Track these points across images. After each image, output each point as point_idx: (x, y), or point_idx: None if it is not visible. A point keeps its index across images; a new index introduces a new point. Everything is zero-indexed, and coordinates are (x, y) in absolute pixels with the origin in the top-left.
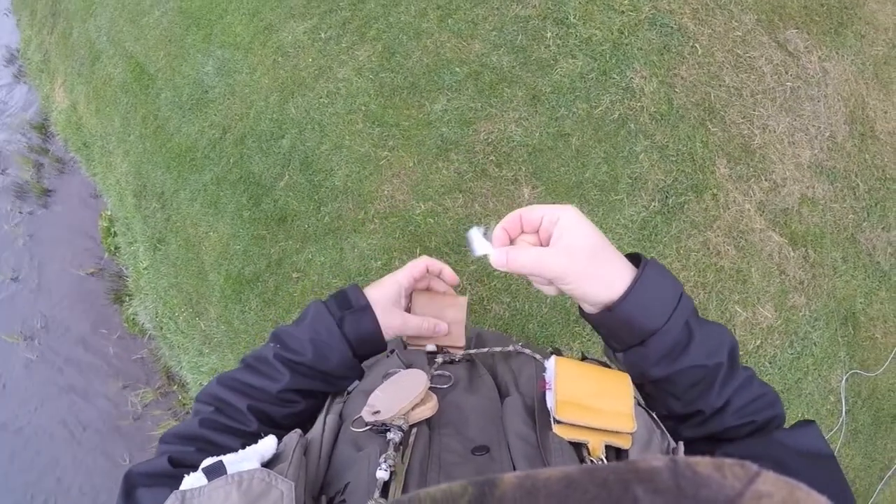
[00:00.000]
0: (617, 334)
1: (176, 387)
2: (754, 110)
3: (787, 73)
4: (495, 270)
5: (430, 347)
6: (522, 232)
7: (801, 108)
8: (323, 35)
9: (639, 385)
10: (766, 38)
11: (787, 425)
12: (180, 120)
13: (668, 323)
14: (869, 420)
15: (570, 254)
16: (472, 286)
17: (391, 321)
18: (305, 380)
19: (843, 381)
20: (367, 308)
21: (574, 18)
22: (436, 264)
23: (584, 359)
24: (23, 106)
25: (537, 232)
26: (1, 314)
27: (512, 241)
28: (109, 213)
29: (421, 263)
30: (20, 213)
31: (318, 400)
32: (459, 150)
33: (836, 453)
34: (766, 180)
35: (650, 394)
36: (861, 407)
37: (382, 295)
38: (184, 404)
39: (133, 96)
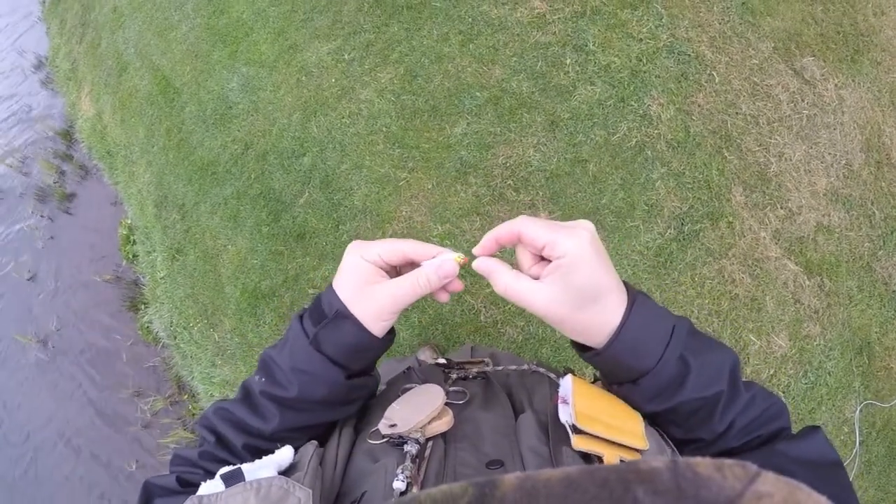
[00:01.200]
0: (608, 372)
1: (186, 396)
2: (771, 138)
3: (803, 100)
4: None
5: (442, 360)
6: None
7: (818, 136)
8: (346, 56)
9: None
10: (783, 66)
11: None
12: (203, 134)
13: (660, 363)
14: (883, 451)
15: (564, 297)
16: (487, 308)
17: (377, 305)
18: (301, 415)
19: (858, 412)
20: (341, 314)
21: (593, 45)
22: (421, 251)
23: (595, 381)
24: (49, 112)
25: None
26: (15, 314)
27: (502, 249)
28: (129, 221)
29: (399, 244)
30: (41, 216)
31: (326, 429)
32: (478, 174)
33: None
34: (781, 208)
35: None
36: (875, 438)
37: (351, 281)
38: (193, 414)
39: (158, 108)
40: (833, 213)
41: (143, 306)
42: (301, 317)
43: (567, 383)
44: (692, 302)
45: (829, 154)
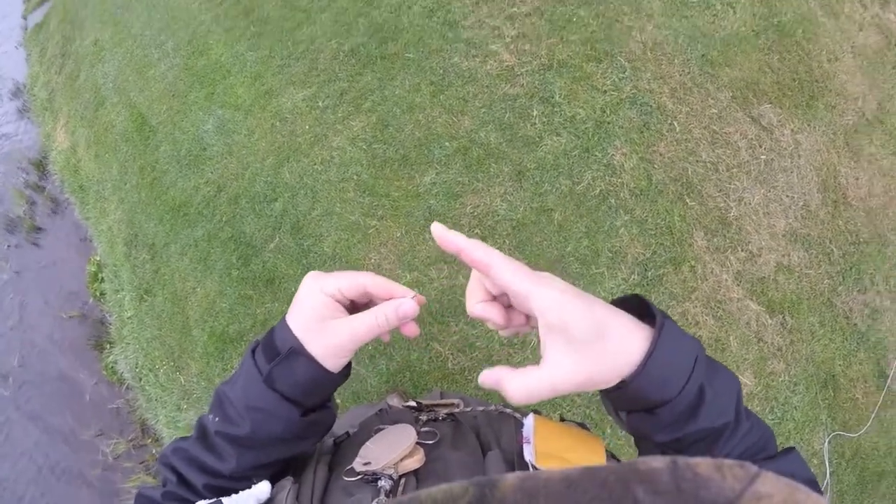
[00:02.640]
0: (623, 404)
1: (150, 440)
2: (730, 183)
3: (761, 146)
4: (477, 342)
5: (412, 403)
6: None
7: (776, 180)
8: (321, 104)
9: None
10: (741, 114)
11: None
12: (177, 174)
13: (682, 393)
14: (854, 480)
15: (578, 357)
16: (454, 355)
17: (335, 342)
18: (258, 453)
19: (826, 444)
20: (293, 351)
21: (559, 98)
22: (383, 287)
23: (562, 420)
24: (23, 141)
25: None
26: None
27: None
28: (98, 258)
29: (360, 278)
30: (8, 246)
31: (290, 465)
32: (446, 223)
33: None
34: (742, 251)
35: (646, 447)
36: (845, 468)
37: (307, 314)
38: (157, 459)
39: (133, 146)
40: (793, 252)
41: (108, 346)
42: (254, 350)
43: (529, 423)
44: None
45: (787, 196)
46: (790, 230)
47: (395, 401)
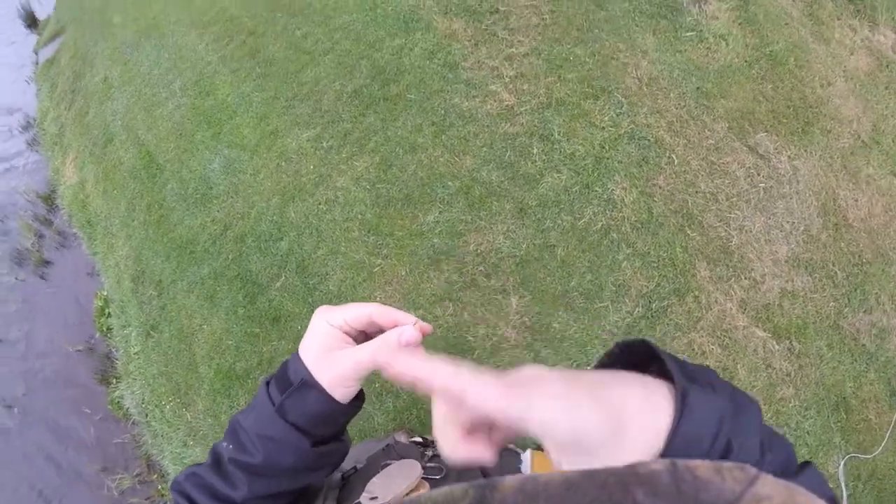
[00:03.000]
0: None
1: (156, 476)
2: (730, 213)
3: (759, 174)
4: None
5: (417, 438)
6: None
7: (775, 207)
8: (325, 144)
9: None
10: (738, 144)
11: None
12: (184, 212)
13: (707, 455)
14: (872, 502)
15: (602, 460)
16: None
17: (339, 372)
18: (269, 482)
19: (841, 467)
20: (306, 382)
21: (559, 135)
22: (387, 315)
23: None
24: (32, 174)
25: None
26: None
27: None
28: (105, 293)
29: (366, 308)
30: (15, 279)
31: (301, 497)
32: (450, 261)
33: None
34: (745, 278)
35: None
36: (862, 490)
37: (315, 346)
38: (162, 495)
39: (141, 183)
40: (796, 277)
41: (114, 380)
42: (268, 383)
43: (526, 458)
44: None
45: (788, 222)
46: (792, 255)
47: (402, 438)
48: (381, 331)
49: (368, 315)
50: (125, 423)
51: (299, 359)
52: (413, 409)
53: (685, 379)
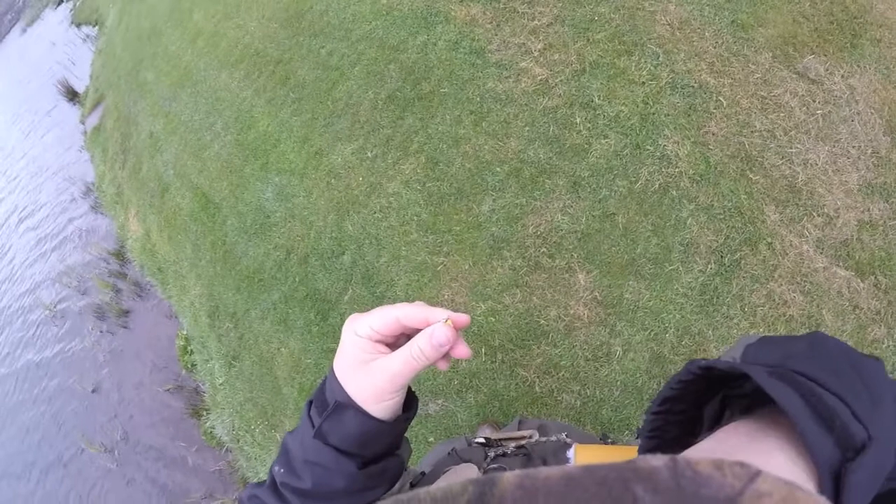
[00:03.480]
0: None
1: (244, 489)
2: (791, 147)
3: (814, 101)
4: (562, 360)
5: (480, 439)
6: None
7: (838, 133)
8: (370, 154)
9: None
10: (786, 73)
11: None
12: (246, 244)
13: None
14: None
15: None
16: (540, 378)
17: (373, 386)
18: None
19: None
20: (339, 405)
21: (599, 99)
22: (416, 316)
23: (605, 441)
24: (100, 234)
25: None
26: (80, 425)
27: None
28: (185, 332)
29: (393, 311)
30: (100, 332)
31: None
32: (511, 247)
33: None
34: (818, 216)
35: None
36: None
37: (347, 360)
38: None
39: (201, 224)
40: (872, 206)
41: (204, 412)
42: (311, 403)
43: (570, 454)
44: (747, 333)
45: (854, 147)
46: (864, 182)
47: (486, 432)
48: (419, 331)
49: (395, 319)
50: (219, 451)
51: (334, 376)
52: (494, 400)
53: (830, 448)
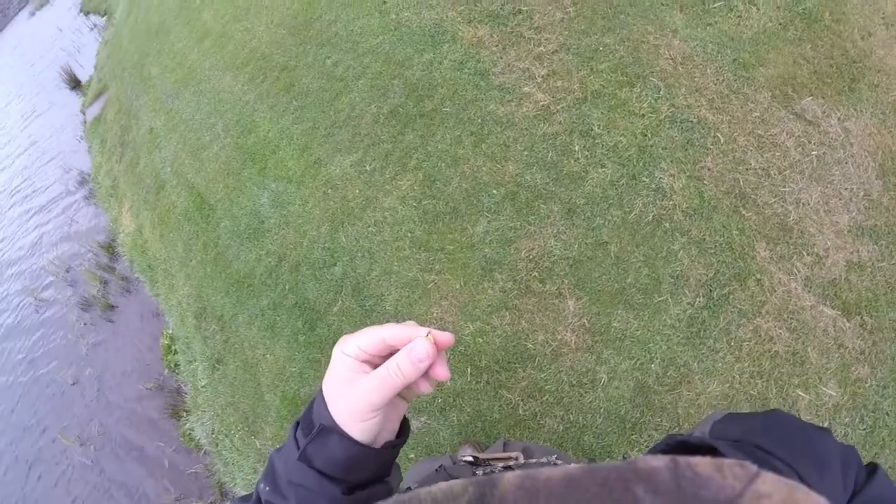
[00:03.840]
0: None
1: (228, 503)
2: (784, 186)
3: (810, 142)
4: (546, 385)
5: (468, 458)
6: None
7: (831, 174)
8: (368, 167)
9: None
10: (784, 113)
11: None
12: (238, 248)
13: None
14: None
15: None
16: (524, 401)
17: (350, 404)
18: None
19: None
20: (325, 428)
21: (598, 128)
22: (400, 335)
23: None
24: (92, 226)
25: None
26: (58, 416)
27: None
28: (170, 331)
29: (380, 331)
30: (85, 324)
31: None
32: (503, 270)
33: None
34: (808, 255)
35: None
36: None
37: (333, 380)
38: None
39: (195, 224)
40: (861, 248)
41: (184, 414)
42: (298, 423)
43: None
44: (732, 367)
45: (846, 189)
46: (855, 224)
47: (467, 452)
48: None
49: (381, 339)
50: (197, 453)
51: (322, 396)
52: (477, 421)
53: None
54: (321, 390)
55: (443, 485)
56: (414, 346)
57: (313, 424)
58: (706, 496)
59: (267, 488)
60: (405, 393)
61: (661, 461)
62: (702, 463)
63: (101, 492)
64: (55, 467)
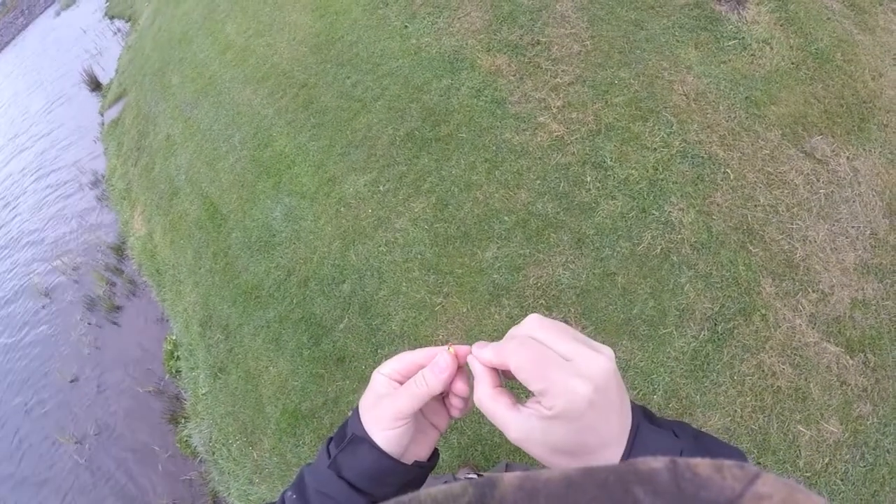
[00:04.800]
0: None
1: None
2: (792, 224)
3: (818, 180)
4: None
5: (471, 476)
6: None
7: (838, 213)
8: (382, 188)
9: None
10: (794, 151)
11: None
12: (248, 259)
13: None
14: None
15: (541, 441)
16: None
17: (377, 414)
18: None
19: None
20: (357, 437)
21: (611, 161)
22: (427, 352)
23: None
24: (102, 227)
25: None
26: (55, 414)
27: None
28: (174, 337)
29: (415, 355)
30: (89, 323)
31: None
32: (510, 296)
33: None
34: (813, 292)
35: None
36: None
37: (367, 397)
38: None
39: (206, 233)
40: (866, 286)
41: (183, 420)
42: (331, 439)
43: None
44: (734, 401)
45: (853, 227)
46: (861, 262)
47: (465, 474)
48: None
49: (413, 361)
50: (193, 461)
51: (357, 412)
52: (477, 444)
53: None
54: (357, 406)
55: (442, 486)
56: (437, 359)
57: (346, 436)
58: (706, 497)
59: (294, 496)
60: (437, 422)
61: (660, 462)
62: (701, 464)
63: (92, 493)
64: (45, 465)
